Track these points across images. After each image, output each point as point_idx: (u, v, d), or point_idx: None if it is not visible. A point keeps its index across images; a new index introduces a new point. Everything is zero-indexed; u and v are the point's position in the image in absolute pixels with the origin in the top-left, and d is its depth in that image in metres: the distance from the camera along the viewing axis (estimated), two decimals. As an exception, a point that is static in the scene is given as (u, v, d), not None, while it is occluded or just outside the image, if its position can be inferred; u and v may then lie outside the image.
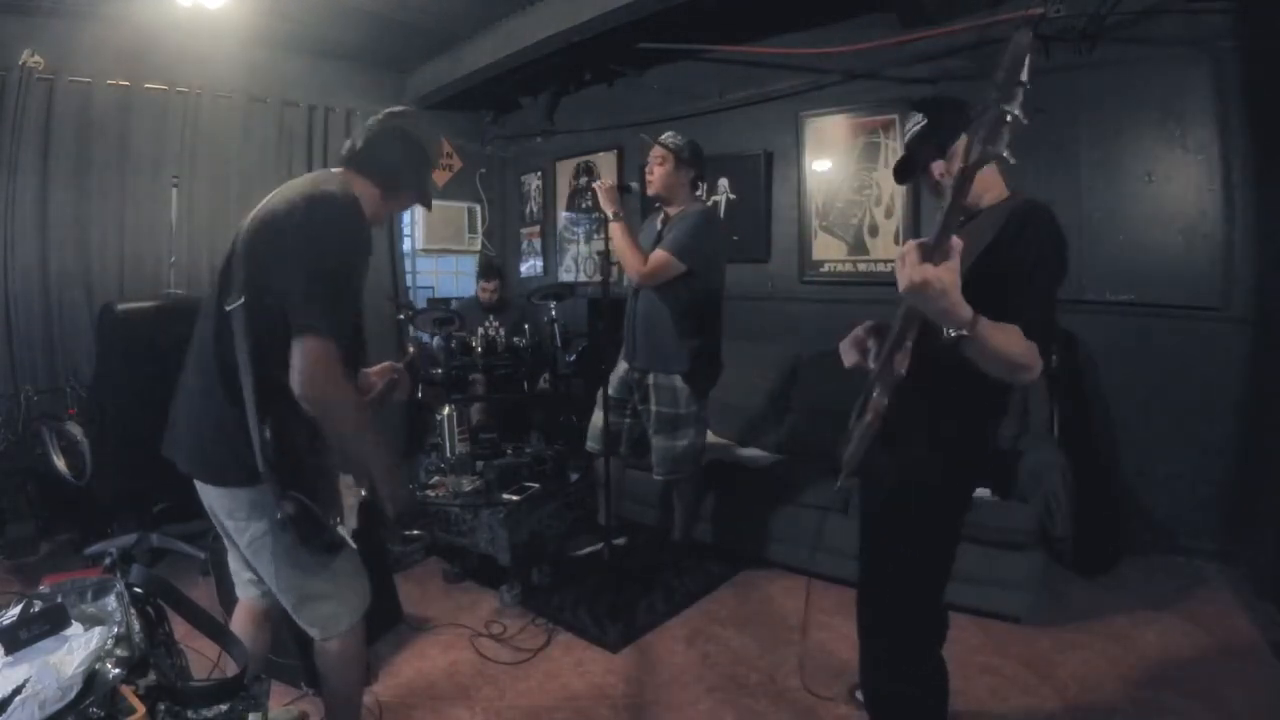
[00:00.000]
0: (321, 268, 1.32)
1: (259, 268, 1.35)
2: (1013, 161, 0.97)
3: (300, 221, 1.35)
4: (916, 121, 1.48)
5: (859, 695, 2.05)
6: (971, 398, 1.39)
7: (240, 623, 1.63)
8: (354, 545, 1.50)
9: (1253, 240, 2.78)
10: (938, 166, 1.45)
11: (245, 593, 1.66)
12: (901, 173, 1.54)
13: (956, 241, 1.09)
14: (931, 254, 1.09)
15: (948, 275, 1.09)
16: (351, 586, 1.56)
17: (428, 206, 1.66)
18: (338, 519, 1.45)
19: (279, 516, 1.35)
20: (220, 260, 1.46)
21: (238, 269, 1.37)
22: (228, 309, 1.35)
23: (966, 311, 1.13)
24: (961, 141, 1.09)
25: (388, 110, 1.59)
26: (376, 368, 1.79)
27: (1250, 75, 2.72)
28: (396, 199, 1.59)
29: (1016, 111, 0.93)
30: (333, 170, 1.55)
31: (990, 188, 1.43)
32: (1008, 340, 1.19)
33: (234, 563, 1.65)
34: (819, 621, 2.54)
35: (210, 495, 1.47)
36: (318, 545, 1.41)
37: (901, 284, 1.12)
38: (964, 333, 1.14)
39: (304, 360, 1.28)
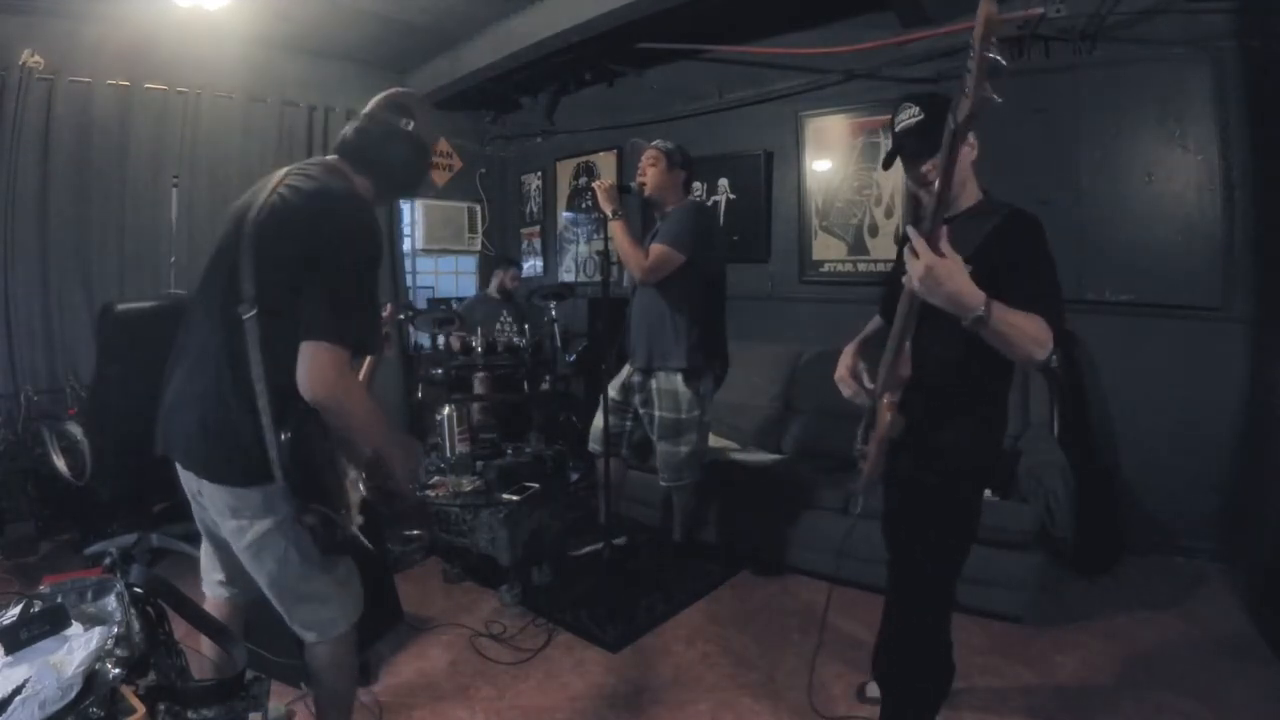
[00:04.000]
0: (342, 274, 1.30)
1: (271, 269, 1.31)
2: (999, 100, 1.01)
3: (314, 221, 1.32)
4: (913, 115, 1.48)
5: (868, 692, 2.06)
6: (977, 398, 1.49)
7: None
8: (367, 544, 1.48)
9: (1253, 240, 2.78)
10: (929, 164, 1.43)
11: (214, 593, 1.62)
12: (890, 160, 1.56)
13: (945, 231, 1.20)
14: (931, 236, 1.19)
15: (951, 262, 1.19)
16: (348, 591, 1.54)
17: (417, 197, 1.65)
18: (347, 517, 1.44)
19: (300, 523, 1.34)
20: (215, 255, 1.41)
21: (246, 271, 1.31)
22: (243, 317, 1.30)
23: (978, 295, 1.21)
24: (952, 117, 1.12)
25: (389, 97, 1.51)
26: None
27: (1250, 75, 2.72)
28: (390, 196, 1.56)
29: (995, 55, 0.99)
30: (330, 161, 1.49)
31: (966, 190, 1.50)
32: (1022, 321, 1.26)
33: (205, 562, 1.62)
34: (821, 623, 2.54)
35: (209, 492, 1.41)
36: (331, 547, 1.40)
37: (913, 276, 1.22)
38: (980, 314, 1.21)
39: (311, 365, 1.25)
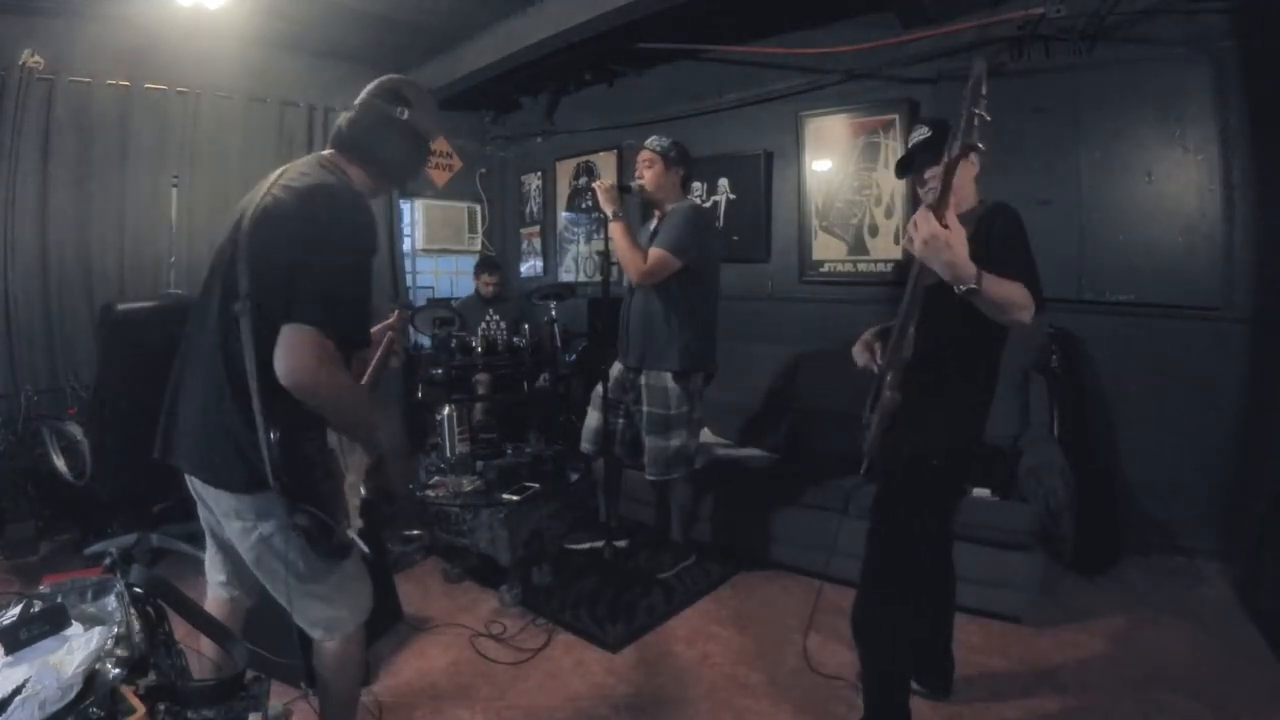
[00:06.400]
0: (330, 265, 1.28)
1: (265, 267, 1.30)
2: (983, 148, 1.32)
3: (306, 216, 1.30)
4: (923, 133, 1.75)
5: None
6: (966, 382, 1.69)
7: None
8: (364, 547, 1.47)
9: (1253, 240, 2.78)
10: (931, 171, 1.68)
11: (215, 594, 1.62)
12: (902, 168, 1.82)
13: (951, 210, 1.41)
14: (936, 211, 1.39)
15: (954, 234, 1.39)
16: (355, 591, 1.53)
17: (414, 188, 1.63)
18: (345, 522, 1.43)
19: (292, 525, 1.32)
20: (215, 256, 1.41)
21: (242, 270, 1.31)
22: (235, 312, 1.30)
23: (972, 266, 1.41)
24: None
25: (381, 84, 1.49)
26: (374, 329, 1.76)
27: (1250, 75, 2.72)
28: (387, 185, 1.54)
29: (982, 111, 1.29)
30: (324, 154, 1.48)
31: (966, 197, 1.71)
32: (1009, 289, 1.46)
33: (209, 561, 1.62)
34: (818, 622, 2.53)
35: (212, 495, 1.43)
36: (328, 551, 1.39)
37: (916, 243, 1.42)
38: (973, 285, 1.40)
39: (289, 348, 1.22)
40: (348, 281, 1.31)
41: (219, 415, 1.35)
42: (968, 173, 1.70)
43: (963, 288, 1.42)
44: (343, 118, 1.49)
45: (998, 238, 1.58)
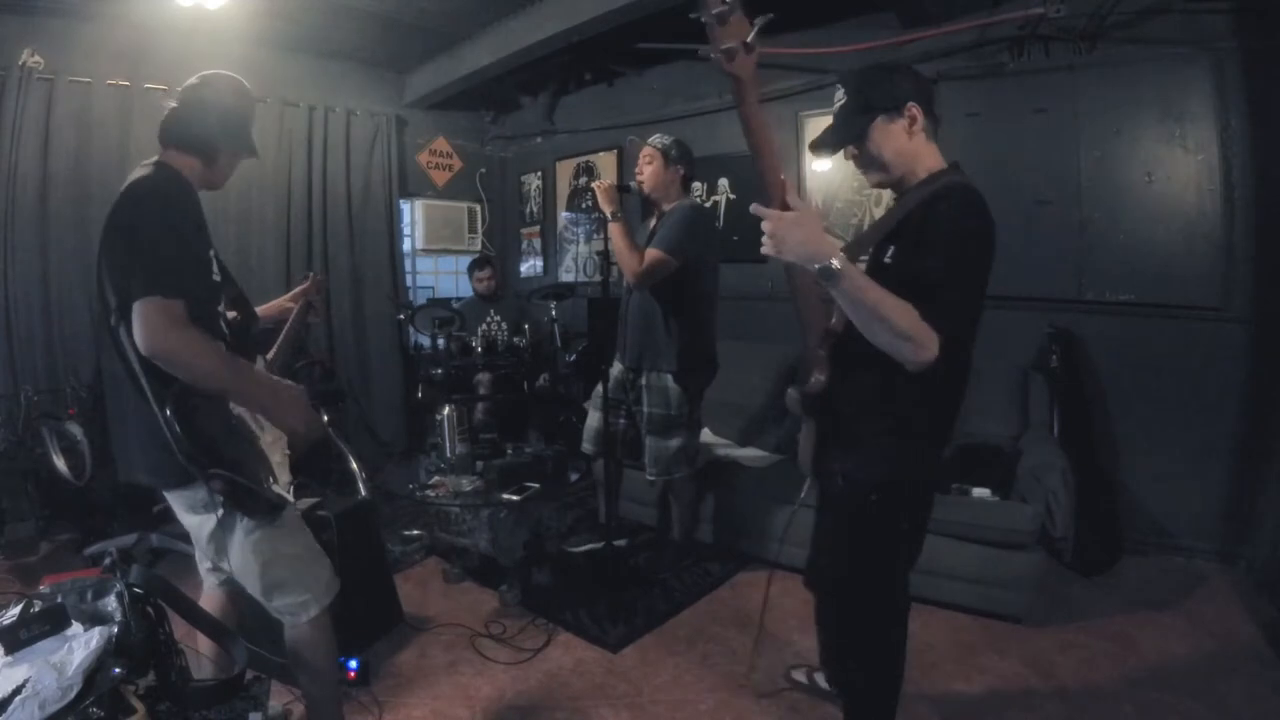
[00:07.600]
0: (146, 242, 1.35)
1: (115, 279, 1.39)
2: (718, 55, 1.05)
3: (121, 217, 1.40)
4: (839, 98, 1.40)
5: (816, 678, 2.07)
6: (914, 396, 1.33)
7: None
8: (292, 499, 1.53)
9: (1253, 240, 2.78)
10: (853, 151, 1.40)
11: (208, 582, 1.71)
12: (818, 146, 1.44)
13: (787, 184, 1.16)
14: (771, 201, 1.15)
15: (798, 213, 1.13)
16: (313, 572, 1.58)
17: (254, 154, 1.64)
18: (270, 479, 1.47)
19: (215, 497, 1.38)
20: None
21: (106, 286, 1.41)
22: (113, 325, 1.39)
23: (832, 244, 1.12)
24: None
25: (188, 83, 1.57)
26: (288, 295, 1.91)
27: (1250, 75, 2.72)
28: (222, 159, 1.59)
29: (716, 53, 1.03)
30: (148, 160, 1.54)
31: (921, 161, 1.36)
32: (888, 301, 1.13)
33: (197, 553, 1.70)
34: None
35: (171, 498, 1.54)
36: (256, 510, 1.43)
37: (766, 244, 1.16)
38: (829, 265, 1.10)
39: (140, 321, 1.29)
40: (166, 248, 1.36)
41: (141, 420, 1.42)
42: (896, 136, 1.34)
43: (817, 268, 1.11)
44: (161, 123, 1.55)
45: (929, 239, 1.22)
